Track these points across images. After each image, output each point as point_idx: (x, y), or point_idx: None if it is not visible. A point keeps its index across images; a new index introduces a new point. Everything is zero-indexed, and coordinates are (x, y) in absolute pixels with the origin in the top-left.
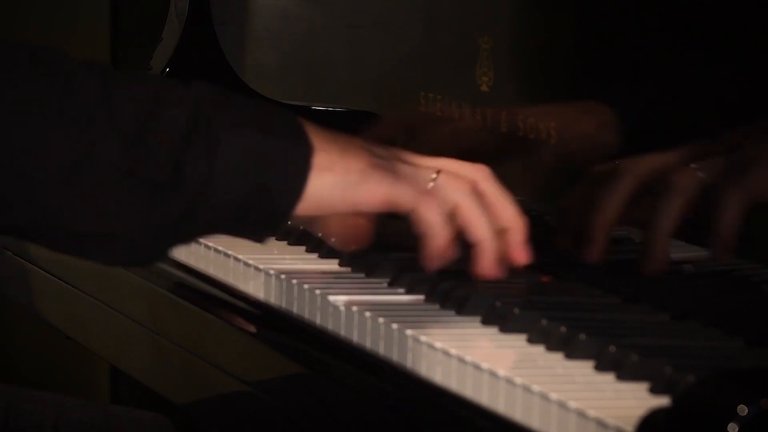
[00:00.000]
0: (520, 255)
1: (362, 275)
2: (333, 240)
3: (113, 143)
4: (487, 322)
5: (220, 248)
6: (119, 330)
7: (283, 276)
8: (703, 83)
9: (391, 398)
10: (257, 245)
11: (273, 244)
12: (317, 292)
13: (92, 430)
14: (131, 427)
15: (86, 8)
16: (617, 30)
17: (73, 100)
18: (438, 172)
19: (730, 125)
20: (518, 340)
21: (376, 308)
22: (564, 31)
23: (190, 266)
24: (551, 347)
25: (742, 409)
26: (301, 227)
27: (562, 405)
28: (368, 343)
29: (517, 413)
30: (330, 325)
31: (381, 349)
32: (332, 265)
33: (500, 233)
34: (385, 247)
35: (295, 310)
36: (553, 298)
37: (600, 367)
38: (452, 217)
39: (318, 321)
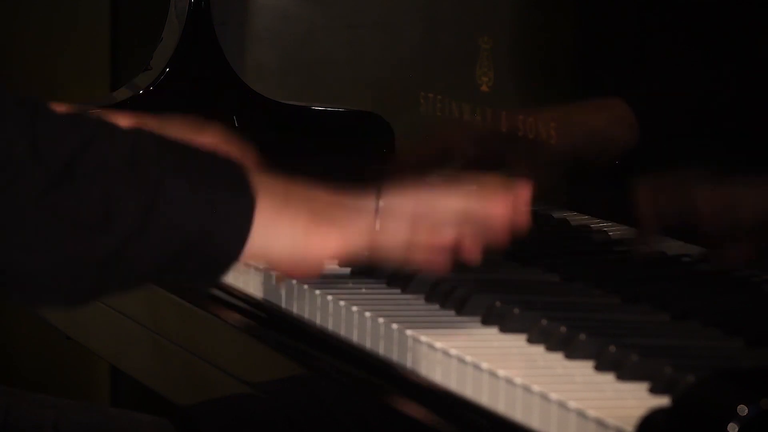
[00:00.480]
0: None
1: (362, 275)
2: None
3: (37, 179)
4: (487, 322)
5: None
6: (119, 330)
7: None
8: (704, 83)
9: (391, 398)
10: None
11: None
12: (317, 292)
13: None
14: (131, 430)
15: (86, 8)
16: (617, 30)
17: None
18: (378, 215)
19: (730, 126)
20: (518, 340)
21: (377, 308)
22: (564, 31)
23: None
24: (551, 347)
25: (742, 409)
26: None
27: (562, 405)
28: (368, 343)
29: (517, 413)
30: (330, 325)
31: (381, 349)
32: (332, 265)
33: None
34: None
35: (295, 310)
36: (553, 298)
37: (600, 367)
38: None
39: (318, 321)
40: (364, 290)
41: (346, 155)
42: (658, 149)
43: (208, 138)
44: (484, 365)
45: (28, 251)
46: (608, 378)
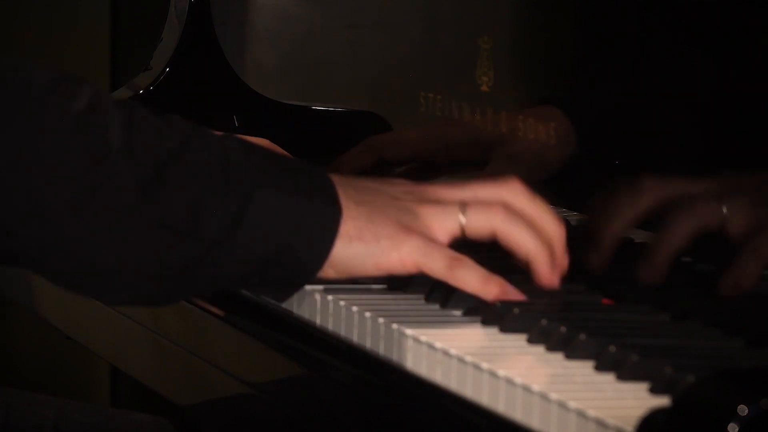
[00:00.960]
0: (566, 262)
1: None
2: None
3: (129, 179)
4: (487, 322)
5: None
6: (119, 330)
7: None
8: (704, 83)
9: (391, 398)
10: None
11: None
12: (317, 294)
13: None
14: (131, 430)
15: (86, 8)
16: (618, 30)
17: (94, 132)
18: (465, 205)
19: (731, 128)
20: (518, 340)
21: (376, 308)
22: (564, 31)
23: None
24: (551, 347)
25: (742, 409)
26: None
27: (562, 405)
28: (368, 343)
29: (517, 413)
30: (330, 325)
31: (381, 349)
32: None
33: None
34: None
35: (294, 310)
36: (553, 298)
37: (600, 367)
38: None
39: (318, 321)
40: (364, 291)
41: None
42: (660, 149)
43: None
44: (484, 365)
45: (116, 249)
46: (608, 378)
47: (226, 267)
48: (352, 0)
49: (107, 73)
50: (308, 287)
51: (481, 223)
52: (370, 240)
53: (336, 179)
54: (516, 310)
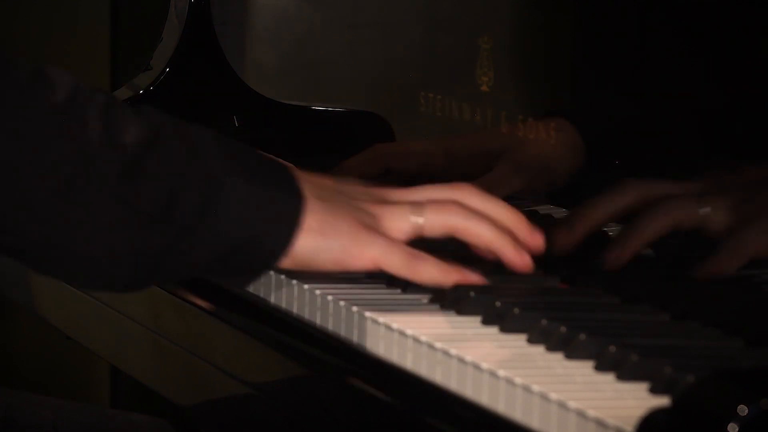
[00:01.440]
0: (535, 241)
1: (361, 275)
2: None
3: (109, 167)
4: (487, 322)
5: None
6: (119, 330)
7: (282, 276)
8: (705, 84)
9: (391, 398)
10: None
11: None
12: (317, 292)
13: None
14: (130, 431)
15: (86, 8)
16: (618, 30)
17: (75, 121)
18: (420, 205)
19: (731, 129)
20: (518, 340)
21: (377, 308)
22: (564, 31)
23: None
24: (551, 347)
25: (742, 409)
26: None
27: (561, 405)
28: (368, 344)
29: (516, 413)
30: (330, 326)
31: (381, 350)
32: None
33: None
34: None
35: (295, 310)
36: (553, 298)
37: (600, 367)
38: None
39: (318, 321)
40: (364, 290)
41: (346, 155)
42: (660, 149)
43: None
44: (484, 365)
45: (95, 236)
46: (608, 378)
47: (195, 253)
48: (352, 0)
49: (107, 73)
50: (307, 286)
51: (438, 221)
52: (330, 235)
53: (299, 174)
54: (516, 310)
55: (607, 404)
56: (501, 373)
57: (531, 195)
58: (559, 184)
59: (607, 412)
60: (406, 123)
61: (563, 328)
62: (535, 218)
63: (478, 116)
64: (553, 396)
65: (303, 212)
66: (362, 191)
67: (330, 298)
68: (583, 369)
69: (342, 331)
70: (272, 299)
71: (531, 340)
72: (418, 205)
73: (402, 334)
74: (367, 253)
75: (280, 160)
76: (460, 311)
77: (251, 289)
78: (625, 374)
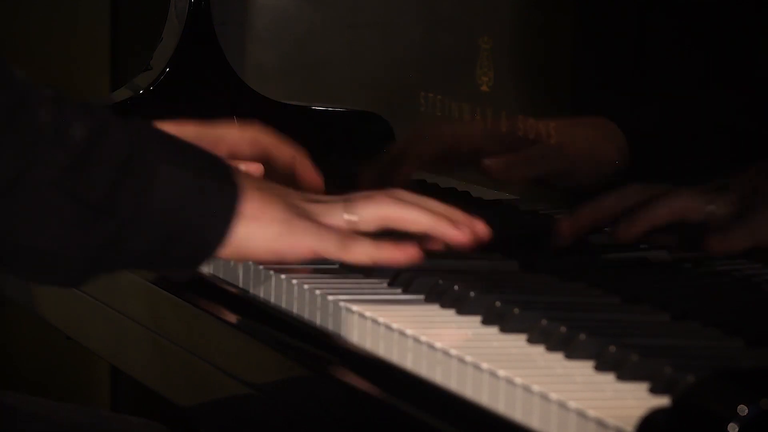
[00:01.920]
0: (475, 225)
1: (361, 275)
2: None
3: (56, 162)
4: (487, 321)
5: None
6: (119, 330)
7: (283, 276)
8: (704, 84)
9: (392, 399)
10: None
11: None
12: (317, 292)
13: None
14: None
15: (86, 8)
16: (617, 30)
17: (23, 117)
18: (351, 201)
19: (730, 129)
20: (518, 340)
21: (376, 308)
22: (564, 31)
23: None
24: (551, 347)
25: (742, 409)
26: None
27: (562, 405)
28: (368, 344)
29: (517, 413)
30: (330, 326)
31: (381, 350)
32: (329, 264)
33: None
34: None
35: (295, 310)
36: (553, 298)
37: (600, 367)
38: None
39: (318, 321)
40: (365, 290)
41: (346, 155)
42: (659, 150)
43: (250, 133)
44: (485, 365)
45: (42, 230)
46: (608, 378)
47: (136, 244)
48: (352, 0)
49: (107, 73)
50: (307, 286)
51: (371, 214)
52: (266, 222)
53: (237, 169)
54: (516, 310)
55: (607, 404)
56: (501, 373)
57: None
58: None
59: (608, 412)
60: (406, 123)
61: (563, 328)
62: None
63: (478, 116)
64: (553, 396)
65: (239, 200)
66: (294, 190)
67: (331, 298)
68: (584, 369)
69: (342, 332)
70: (272, 299)
71: (531, 340)
72: (350, 202)
73: (402, 334)
74: (303, 242)
75: (215, 154)
76: (460, 311)
77: (251, 289)
78: (625, 374)
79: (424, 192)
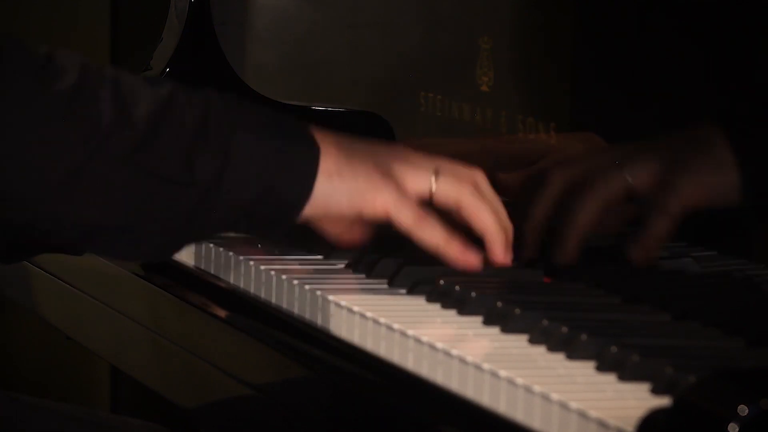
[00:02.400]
0: (507, 256)
1: (363, 275)
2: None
3: (124, 139)
4: (488, 322)
5: (221, 248)
6: (119, 330)
7: (284, 276)
8: (704, 84)
9: (393, 399)
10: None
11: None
12: (318, 292)
13: None
14: None
15: (86, 8)
16: (617, 30)
17: (84, 104)
18: (438, 172)
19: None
20: (519, 341)
21: (377, 308)
22: (564, 31)
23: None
24: (552, 347)
25: (743, 409)
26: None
27: (563, 405)
28: (369, 345)
29: (518, 414)
30: (331, 326)
31: (382, 350)
32: (332, 264)
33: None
34: (385, 247)
35: (296, 310)
36: (554, 298)
37: (601, 368)
38: (456, 214)
39: (319, 322)
40: (365, 291)
41: None
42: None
43: None
44: (486, 365)
45: (120, 209)
46: (609, 378)
47: (219, 210)
48: (352, 0)
49: None
50: (308, 286)
51: (450, 191)
52: (349, 178)
53: (315, 128)
54: (517, 311)
55: (608, 404)
56: (502, 373)
57: None
58: None
59: (609, 412)
60: (406, 123)
61: (564, 329)
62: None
63: (478, 116)
64: (555, 396)
65: (318, 157)
66: (383, 148)
67: (342, 303)
68: (585, 369)
69: (342, 332)
70: (273, 299)
71: (532, 341)
72: (436, 171)
73: (404, 334)
74: (380, 199)
75: (294, 118)
76: (461, 311)
77: (252, 289)
78: (626, 374)
79: None
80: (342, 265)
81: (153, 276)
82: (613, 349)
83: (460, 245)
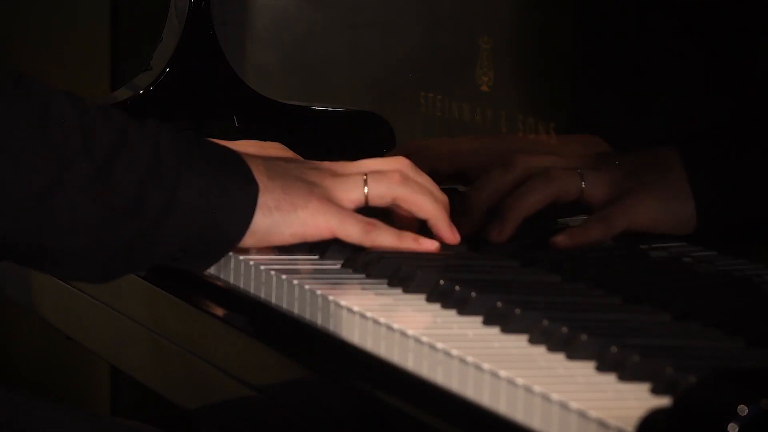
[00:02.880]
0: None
1: (362, 275)
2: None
3: (84, 169)
4: (488, 322)
5: None
6: (119, 330)
7: (284, 276)
8: (705, 84)
9: (394, 401)
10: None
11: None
12: (318, 292)
13: None
14: None
15: (86, 8)
16: (617, 30)
17: (52, 126)
18: (365, 175)
19: (729, 128)
20: (520, 341)
21: (377, 308)
22: (564, 31)
23: None
24: (552, 347)
25: (742, 409)
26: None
27: (563, 405)
28: (369, 345)
29: (518, 414)
30: (331, 327)
31: (382, 350)
32: (331, 264)
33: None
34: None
35: (296, 310)
36: (554, 298)
37: (601, 368)
38: (395, 209)
39: (319, 322)
40: (364, 291)
41: (346, 155)
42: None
43: (273, 152)
44: (486, 365)
45: (72, 233)
46: (610, 378)
47: (163, 243)
48: (352, 0)
49: (107, 73)
50: (308, 287)
51: (382, 191)
52: (287, 209)
53: (248, 159)
54: (517, 311)
55: (608, 405)
56: (502, 373)
57: None
58: None
59: (609, 412)
60: (406, 123)
61: (564, 329)
62: None
63: (478, 116)
64: (555, 396)
65: (257, 194)
66: (309, 167)
67: (342, 303)
68: (585, 369)
69: (343, 332)
70: (273, 299)
71: (532, 341)
72: (363, 176)
73: (404, 334)
74: (323, 223)
75: (230, 147)
76: (461, 311)
77: (252, 289)
78: (626, 375)
79: None
80: (341, 265)
81: (153, 276)
82: (614, 349)
83: (412, 237)
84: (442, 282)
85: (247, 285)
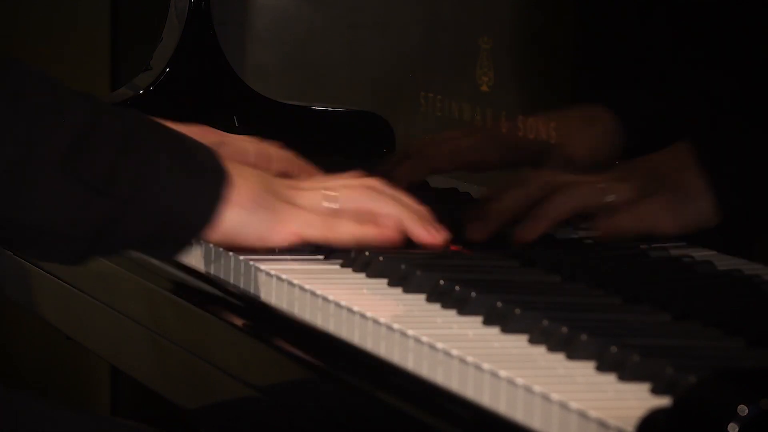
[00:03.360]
0: (441, 230)
1: (362, 275)
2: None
3: (56, 145)
4: (488, 322)
5: (222, 248)
6: (119, 330)
7: (284, 276)
8: (705, 84)
9: (392, 399)
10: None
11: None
12: (318, 292)
13: None
14: None
15: (86, 8)
16: (617, 30)
17: (24, 101)
18: (332, 190)
19: (728, 127)
20: (519, 341)
21: (377, 308)
22: (564, 32)
23: (189, 266)
24: (552, 347)
25: (742, 409)
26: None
27: (563, 405)
28: (369, 345)
29: (518, 414)
30: (331, 327)
31: (382, 350)
32: (330, 264)
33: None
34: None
35: (296, 310)
36: (554, 298)
37: (601, 368)
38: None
39: (319, 322)
40: (365, 291)
41: (346, 155)
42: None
43: (272, 150)
44: (486, 366)
45: (43, 209)
46: (610, 378)
47: (132, 226)
48: (352, 0)
49: (107, 73)
50: (308, 286)
51: (350, 203)
52: (253, 209)
53: (223, 159)
54: (517, 311)
55: (608, 405)
56: (502, 373)
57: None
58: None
59: (609, 412)
60: (406, 123)
61: (564, 329)
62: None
63: (478, 116)
64: (555, 396)
65: (228, 188)
66: (278, 179)
67: (342, 303)
68: (585, 369)
69: (343, 333)
70: (273, 299)
71: (532, 341)
72: (329, 190)
73: (404, 334)
74: (288, 228)
75: (211, 148)
76: (461, 311)
77: (252, 289)
78: (626, 375)
79: (425, 193)
80: (341, 265)
81: (153, 276)
82: (613, 349)
83: (374, 227)
84: (442, 282)
85: (246, 285)
